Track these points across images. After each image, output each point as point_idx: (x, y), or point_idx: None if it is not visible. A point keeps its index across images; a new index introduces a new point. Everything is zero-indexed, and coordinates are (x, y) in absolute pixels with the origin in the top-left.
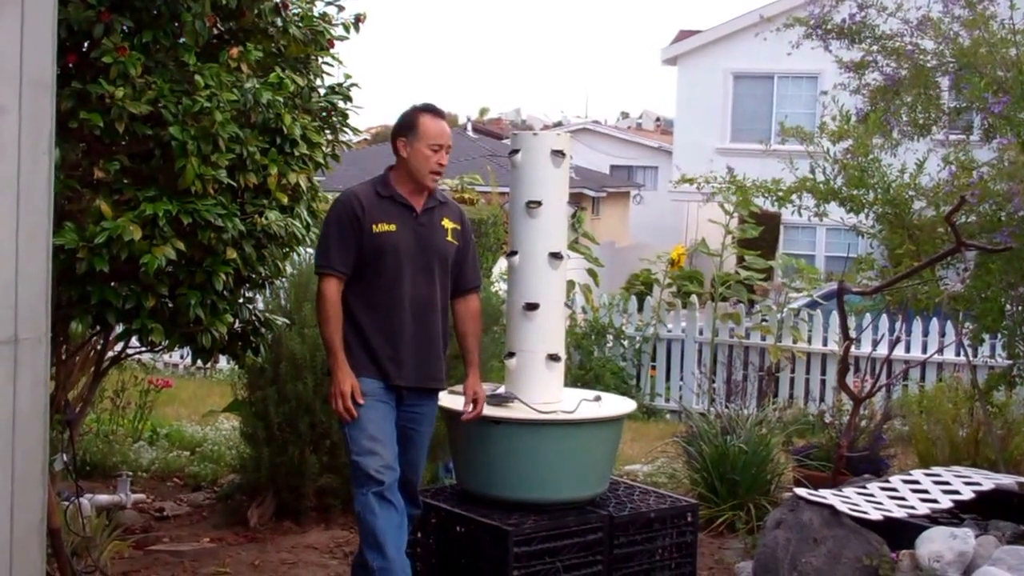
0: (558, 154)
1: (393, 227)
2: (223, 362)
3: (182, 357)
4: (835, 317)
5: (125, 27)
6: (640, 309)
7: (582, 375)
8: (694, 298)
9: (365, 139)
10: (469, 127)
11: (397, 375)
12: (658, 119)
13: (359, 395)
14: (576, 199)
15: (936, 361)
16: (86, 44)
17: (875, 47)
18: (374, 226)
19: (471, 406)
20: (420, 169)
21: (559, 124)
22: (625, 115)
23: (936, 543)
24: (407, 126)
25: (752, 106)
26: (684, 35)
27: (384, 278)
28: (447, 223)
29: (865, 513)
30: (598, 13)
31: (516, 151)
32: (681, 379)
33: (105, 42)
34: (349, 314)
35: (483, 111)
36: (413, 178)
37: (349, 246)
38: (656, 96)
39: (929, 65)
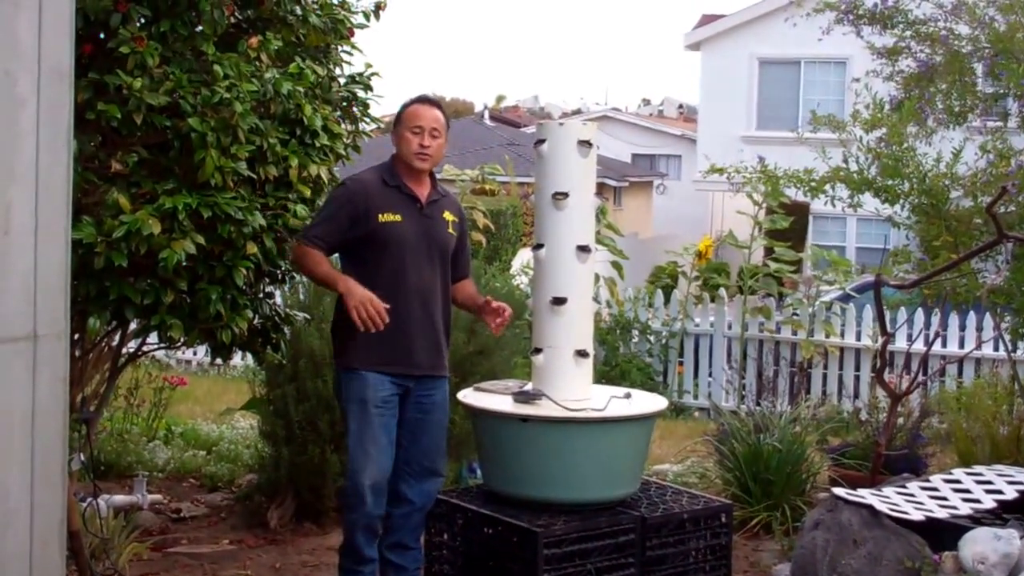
0: (585, 144)
1: (399, 218)
2: (237, 359)
3: (195, 353)
4: (868, 311)
5: (142, 17)
6: (666, 303)
7: (607, 372)
8: (722, 291)
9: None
10: (486, 115)
11: (406, 364)
12: (681, 106)
13: (380, 304)
14: (598, 189)
15: (974, 357)
16: (103, 34)
17: (908, 32)
18: (380, 215)
19: (496, 316)
20: (406, 153)
21: (578, 111)
22: (646, 102)
23: (980, 544)
24: (396, 118)
25: (778, 92)
26: (708, 19)
27: (387, 268)
28: (448, 216)
29: (906, 513)
30: None
31: (542, 141)
32: (710, 375)
33: (122, 32)
34: (343, 306)
35: (500, 99)
36: (405, 165)
37: (337, 228)
38: (678, 82)
39: (964, 51)
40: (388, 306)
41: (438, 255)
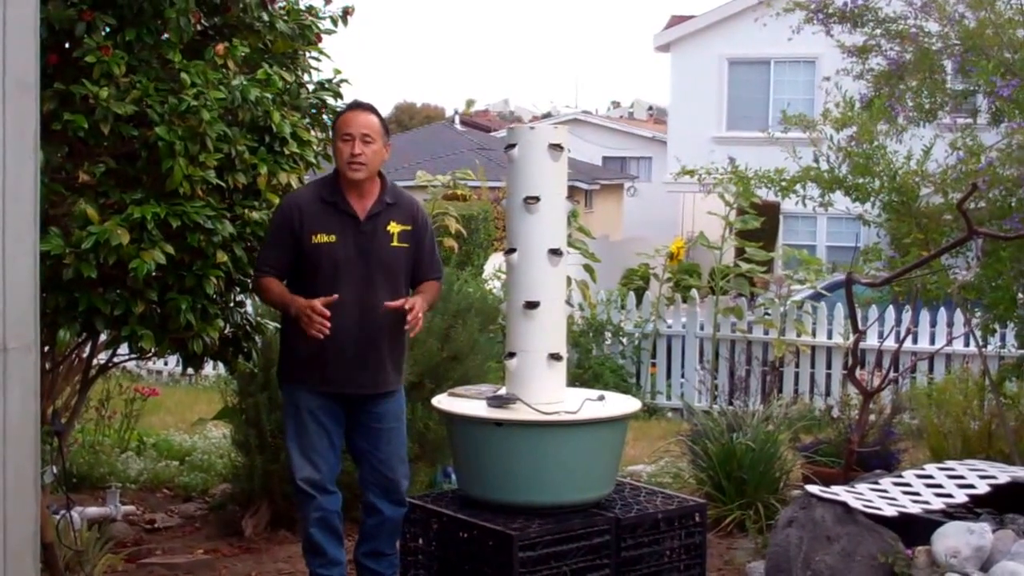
0: (556, 148)
1: (333, 238)
2: (209, 369)
3: (165, 363)
4: (839, 309)
5: (107, 26)
6: (638, 305)
7: (580, 374)
8: (695, 292)
9: None
10: (456, 120)
11: (339, 385)
12: (650, 108)
13: (320, 307)
14: (569, 192)
15: (945, 353)
16: (68, 44)
17: (878, 31)
18: (313, 236)
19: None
20: (339, 164)
21: (548, 115)
22: (616, 104)
23: (952, 538)
24: (332, 130)
25: (748, 93)
26: (677, 20)
27: (322, 287)
28: (393, 227)
29: (879, 509)
30: (586, 0)
31: (513, 146)
32: (683, 376)
33: (87, 41)
34: (288, 321)
35: (470, 103)
36: (344, 176)
37: (282, 251)
38: (648, 84)
39: (934, 48)
40: (335, 295)
41: (380, 271)
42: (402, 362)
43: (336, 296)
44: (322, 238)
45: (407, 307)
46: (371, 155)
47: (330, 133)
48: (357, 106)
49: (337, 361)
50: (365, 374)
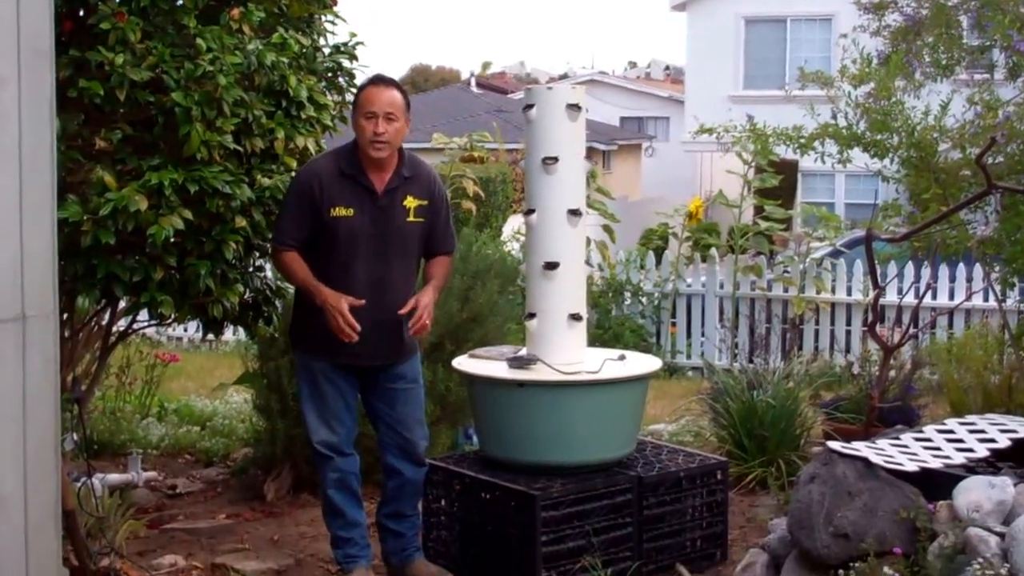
0: (574, 108)
1: (351, 212)
2: (229, 334)
3: (185, 329)
4: (859, 266)
5: None
6: (658, 264)
7: (601, 334)
8: (714, 251)
9: None
10: (473, 83)
11: (354, 358)
12: (667, 68)
13: (352, 304)
14: (587, 153)
15: (964, 307)
16: (82, 11)
17: None
18: (332, 209)
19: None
20: (362, 141)
21: (565, 76)
22: (633, 65)
23: (974, 493)
24: (352, 103)
25: (765, 51)
26: None
27: (336, 260)
28: (410, 201)
29: (900, 465)
30: None
31: (530, 106)
32: (703, 335)
33: (102, 8)
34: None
35: (486, 65)
36: (364, 152)
37: (302, 222)
38: (664, 44)
39: (950, 3)
40: (363, 302)
41: (395, 245)
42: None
43: (363, 302)
44: (340, 211)
45: (417, 308)
46: (393, 133)
47: (346, 96)
48: (380, 81)
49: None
50: (379, 347)
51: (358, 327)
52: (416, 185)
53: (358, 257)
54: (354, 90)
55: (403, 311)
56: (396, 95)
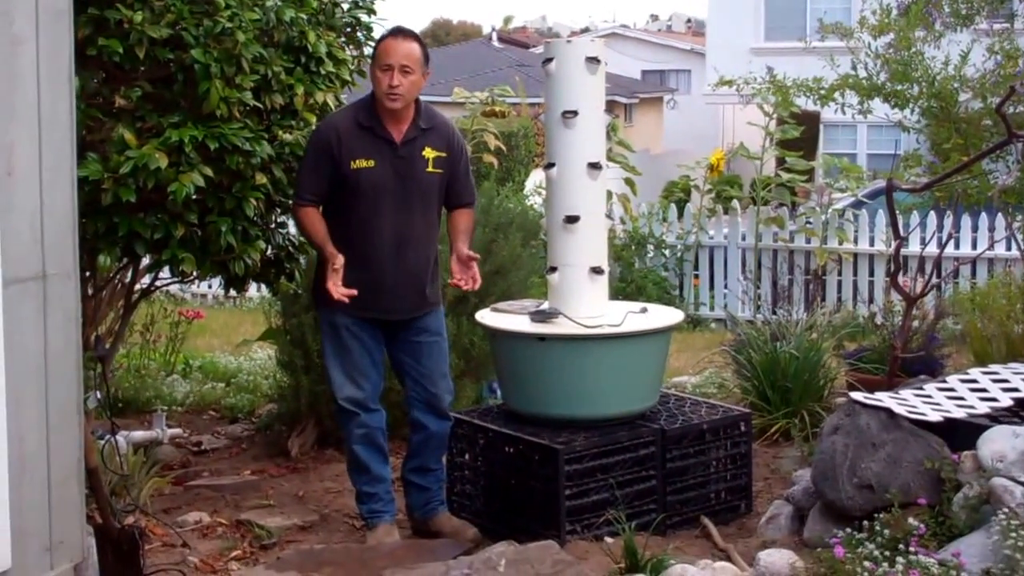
0: (593, 61)
1: (372, 163)
2: (253, 290)
3: (210, 287)
4: (881, 216)
5: None
6: (680, 217)
7: (623, 288)
8: (736, 203)
9: None
10: (494, 37)
11: (377, 310)
12: (689, 20)
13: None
14: (608, 107)
15: (987, 257)
16: None
17: None
18: (352, 162)
19: (463, 275)
20: (378, 92)
21: (586, 30)
22: (655, 18)
23: (998, 442)
24: (372, 54)
25: (785, 3)
26: None
27: (358, 213)
28: (429, 152)
29: (924, 415)
30: None
31: (549, 60)
32: (725, 287)
33: None
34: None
35: (507, 20)
36: (380, 104)
37: (321, 176)
38: None
39: None
40: (358, 256)
41: (417, 197)
42: (438, 281)
43: (355, 292)
44: (361, 163)
45: (470, 276)
46: (409, 86)
47: (364, 51)
48: (399, 33)
49: (376, 288)
50: (403, 299)
51: (351, 293)
52: (434, 136)
53: (381, 210)
54: (372, 44)
55: (456, 280)
56: (414, 47)
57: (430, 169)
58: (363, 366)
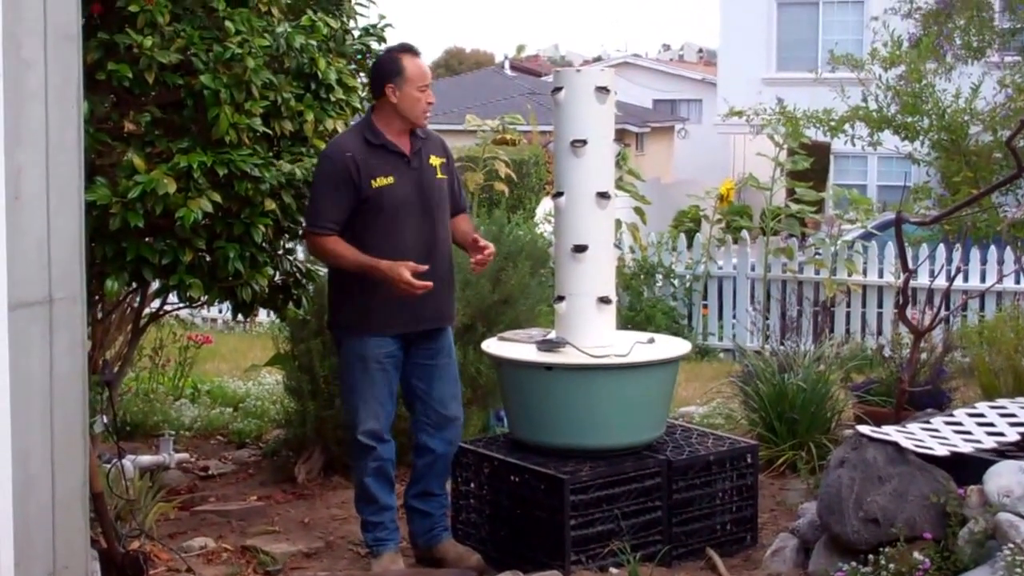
0: (602, 90)
1: (391, 179)
2: (263, 315)
3: (220, 311)
4: (891, 248)
5: None
6: (689, 247)
7: (632, 317)
8: (745, 233)
9: None
10: (507, 65)
11: (408, 323)
12: (700, 50)
13: (414, 269)
14: (619, 135)
15: (995, 290)
16: None
17: None
18: (373, 181)
19: (477, 251)
20: (413, 111)
21: (599, 59)
22: (666, 47)
23: (1005, 477)
24: (393, 71)
25: (797, 34)
26: None
27: (381, 231)
28: (434, 160)
29: (930, 449)
30: None
31: (559, 89)
32: (734, 317)
33: None
34: (352, 274)
35: (520, 48)
36: (405, 121)
37: (341, 203)
38: (698, 27)
39: None
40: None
41: (434, 205)
42: (454, 294)
43: (426, 267)
44: (381, 181)
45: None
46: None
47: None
48: (419, 53)
49: (408, 302)
50: (432, 309)
51: (427, 284)
52: (431, 145)
53: (404, 222)
54: None
55: (479, 242)
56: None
57: (439, 176)
58: (383, 397)
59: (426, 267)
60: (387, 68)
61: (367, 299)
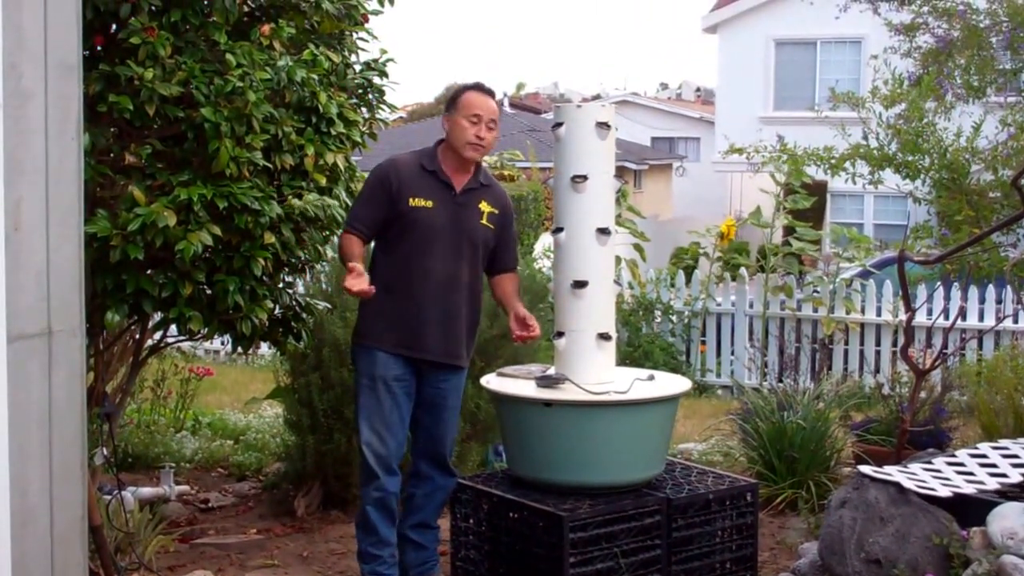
0: (603, 126)
1: (430, 203)
2: (264, 348)
3: (223, 344)
4: (888, 286)
5: (152, 6)
6: (688, 283)
7: (630, 352)
8: (743, 271)
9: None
10: (506, 102)
11: (416, 348)
12: (698, 89)
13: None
14: (618, 172)
15: (995, 329)
16: (113, 25)
17: (925, 8)
18: (411, 199)
19: (524, 331)
20: (458, 140)
21: (597, 97)
22: (664, 86)
23: (1008, 519)
24: (451, 101)
25: (795, 73)
26: (724, 2)
27: (410, 251)
28: (485, 206)
29: (933, 490)
30: None
31: (560, 124)
32: (732, 354)
33: (132, 22)
34: (376, 281)
35: (520, 86)
36: (454, 152)
37: (374, 209)
38: (695, 66)
39: (982, 25)
40: (406, 293)
41: (467, 244)
42: (473, 340)
43: (372, 289)
44: (419, 202)
45: (531, 328)
46: (491, 141)
47: (376, 112)
48: (484, 89)
49: (420, 324)
50: (443, 342)
51: (365, 288)
52: (490, 195)
53: (432, 248)
54: (384, 107)
55: (518, 335)
56: (496, 107)
57: (484, 222)
58: (391, 422)
59: (372, 289)
60: (449, 100)
61: (385, 310)
